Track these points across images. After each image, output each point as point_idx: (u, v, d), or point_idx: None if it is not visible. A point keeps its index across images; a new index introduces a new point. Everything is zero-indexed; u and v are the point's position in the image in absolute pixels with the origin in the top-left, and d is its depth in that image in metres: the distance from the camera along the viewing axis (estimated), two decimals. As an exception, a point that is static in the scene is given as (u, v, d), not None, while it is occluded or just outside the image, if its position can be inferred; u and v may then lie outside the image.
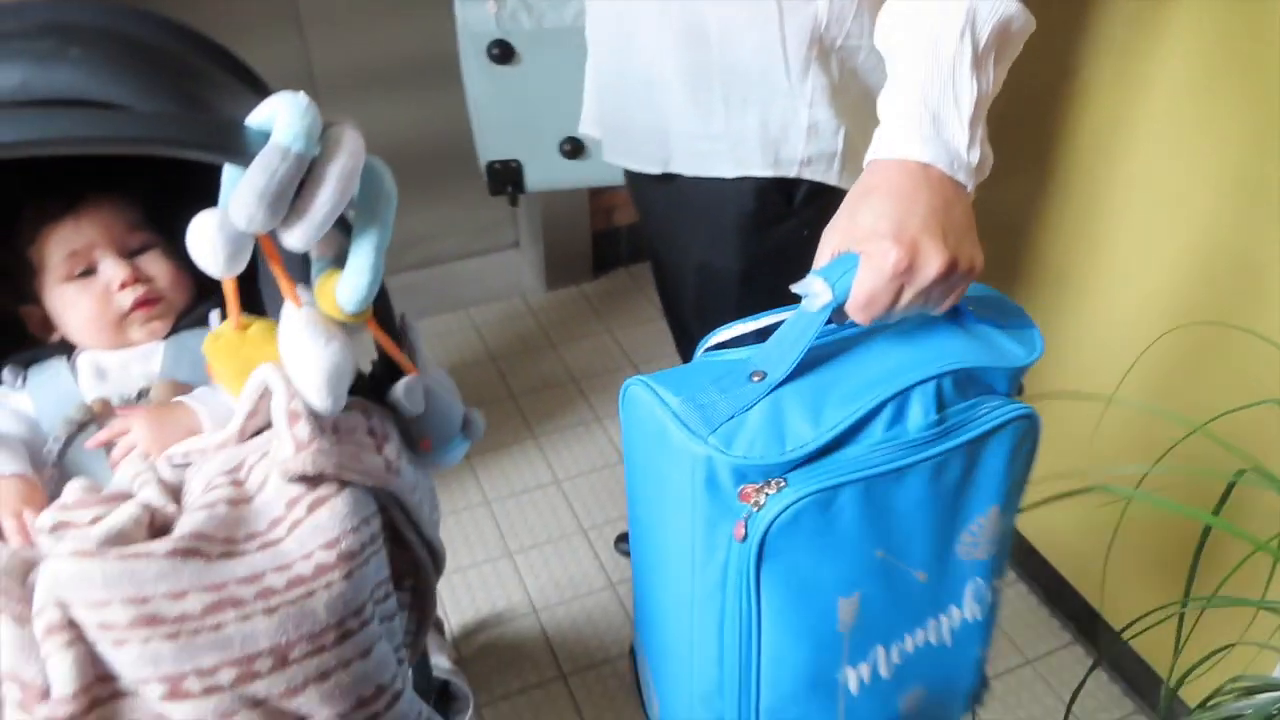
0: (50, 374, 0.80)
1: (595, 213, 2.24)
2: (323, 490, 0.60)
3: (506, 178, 1.30)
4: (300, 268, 0.72)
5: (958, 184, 0.68)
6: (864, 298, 0.66)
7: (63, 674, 0.53)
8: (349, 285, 0.66)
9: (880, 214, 0.66)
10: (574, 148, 1.27)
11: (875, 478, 0.67)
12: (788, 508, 0.64)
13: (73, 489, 0.66)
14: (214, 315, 0.82)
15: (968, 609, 0.78)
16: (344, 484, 0.61)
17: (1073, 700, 1.40)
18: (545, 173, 1.29)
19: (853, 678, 0.74)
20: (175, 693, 0.54)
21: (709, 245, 1.05)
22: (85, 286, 0.80)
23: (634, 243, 2.33)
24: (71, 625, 0.54)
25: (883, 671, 0.76)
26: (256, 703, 0.56)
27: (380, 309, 0.72)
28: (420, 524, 0.70)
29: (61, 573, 0.54)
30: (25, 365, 0.81)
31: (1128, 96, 1.19)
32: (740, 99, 0.92)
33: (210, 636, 0.55)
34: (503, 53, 1.19)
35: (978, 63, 0.68)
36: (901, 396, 0.68)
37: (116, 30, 0.71)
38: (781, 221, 1.01)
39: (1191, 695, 1.30)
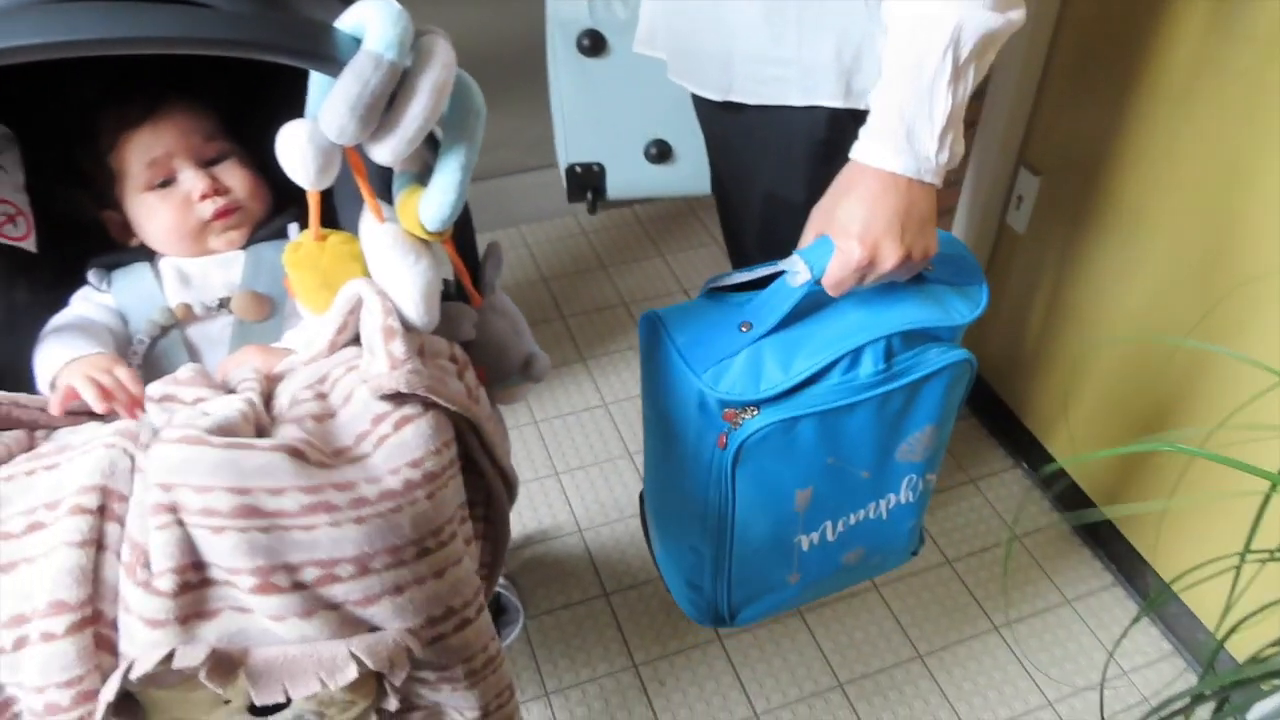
0: (134, 277, 0.80)
1: (650, 134, 2.20)
2: (408, 409, 0.60)
3: (587, 182, 1.25)
4: (381, 182, 0.71)
5: (924, 184, 0.81)
6: (833, 281, 0.83)
7: (158, 550, 0.55)
8: (433, 203, 0.64)
9: (852, 215, 0.81)
10: (660, 151, 1.22)
11: (829, 411, 0.86)
12: (758, 430, 0.85)
13: (185, 369, 0.67)
14: (293, 228, 0.82)
15: (903, 495, 0.99)
16: (428, 406, 0.61)
17: (1115, 647, 1.41)
18: (629, 179, 1.24)
19: (805, 541, 0.97)
20: (264, 586, 0.55)
21: (777, 175, 1.03)
22: (165, 196, 0.80)
23: (688, 166, 2.29)
24: (173, 509, 0.55)
25: (829, 537, 0.98)
26: (333, 605, 0.57)
27: (460, 229, 0.71)
28: (494, 452, 0.70)
29: (170, 456, 0.55)
30: (109, 268, 0.82)
31: (1221, 36, 1.13)
32: (815, 23, 0.89)
33: (301, 536, 0.55)
34: (593, 44, 1.14)
35: (956, 76, 0.78)
36: (856, 351, 0.86)
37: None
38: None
39: (1236, 647, 1.31)
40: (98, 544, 0.56)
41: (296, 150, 0.60)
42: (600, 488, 1.65)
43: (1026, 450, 1.67)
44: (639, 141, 1.23)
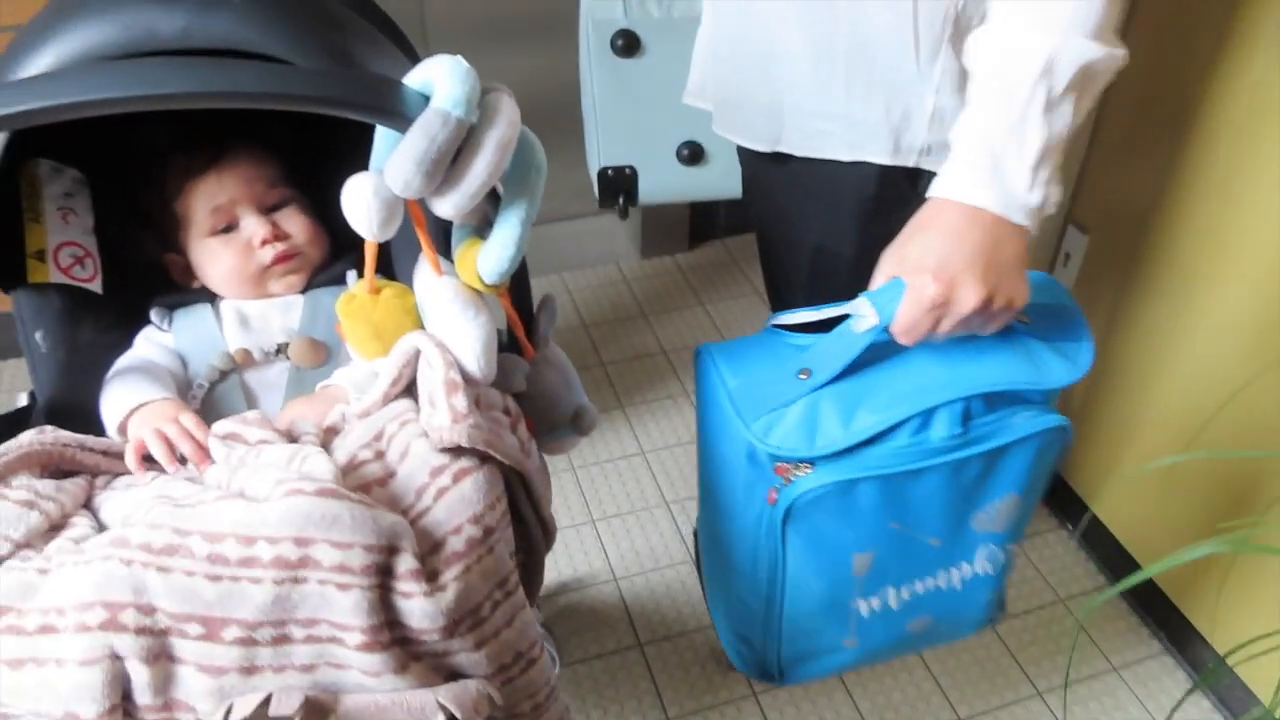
0: (196, 318, 0.82)
1: (694, 184, 2.21)
2: (465, 462, 0.61)
3: (619, 186, 1.24)
4: (439, 233, 0.72)
5: (1013, 224, 0.73)
6: (904, 325, 0.74)
7: (260, 604, 0.55)
8: (492, 256, 0.65)
9: (927, 250, 0.73)
10: (692, 153, 1.21)
11: (894, 475, 0.77)
12: (812, 489, 0.77)
13: (252, 413, 0.68)
14: (350, 274, 0.83)
15: (979, 566, 0.89)
16: (484, 459, 0.62)
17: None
18: (661, 182, 1.23)
19: (864, 606, 0.87)
20: (370, 644, 0.56)
21: (825, 228, 1.02)
22: (227, 242, 0.82)
23: (731, 215, 2.30)
24: (299, 564, 0.55)
25: (892, 604, 0.88)
26: (419, 656, 0.58)
27: (516, 281, 0.72)
28: (539, 504, 0.71)
29: (312, 511, 0.55)
30: (171, 308, 0.83)
31: (1278, 94, 1.13)
32: (864, 79, 0.89)
33: (403, 602, 0.56)
34: (627, 44, 1.13)
35: (1050, 106, 0.70)
36: (928, 412, 0.76)
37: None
38: (903, 207, 0.97)
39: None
40: (111, 656, 0.56)
41: (362, 202, 0.61)
42: (637, 536, 1.64)
43: (1071, 511, 1.64)
44: (671, 143, 1.21)
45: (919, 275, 0.72)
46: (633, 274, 2.24)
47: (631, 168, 1.24)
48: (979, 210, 0.72)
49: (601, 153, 1.23)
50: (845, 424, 0.76)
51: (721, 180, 1.21)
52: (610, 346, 2.04)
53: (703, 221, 2.28)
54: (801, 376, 0.78)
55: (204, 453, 0.69)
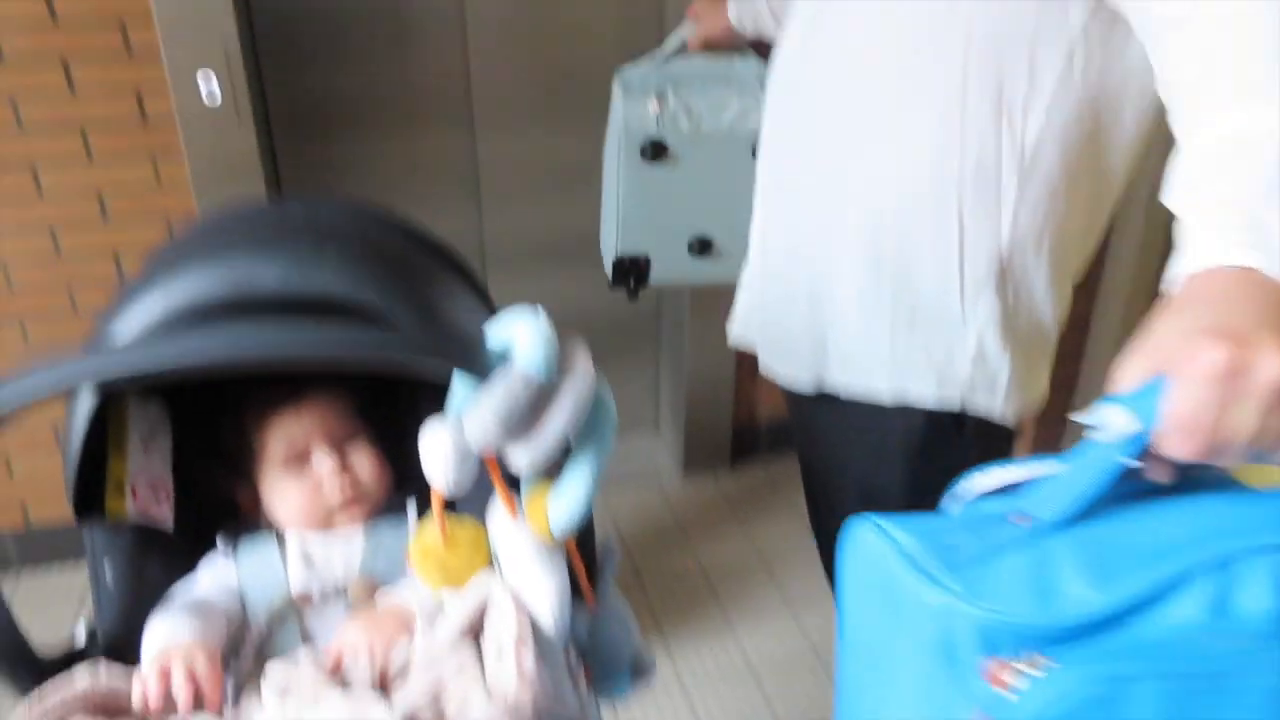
0: (261, 553, 0.82)
1: (738, 404, 2.24)
2: (524, 720, 0.59)
3: (633, 271, 1.31)
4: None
5: None
6: (1181, 417, 0.51)
7: None
8: (562, 508, 0.66)
9: (1195, 317, 0.54)
10: (702, 247, 1.28)
11: (1187, 675, 0.49)
12: (1059, 700, 0.47)
13: (303, 655, 0.67)
14: (410, 504, 0.84)
15: None
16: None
17: None
18: (671, 269, 1.31)
19: None
20: None
21: (873, 465, 1.02)
22: (299, 478, 0.84)
23: (773, 439, 2.31)
24: None
25: None
26: None
27: (582, 531, 0.72)
28: None
29: None
30: (235, 536, 0.84)
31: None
32: (908, 318, 0.91)
33: None
34: (656, 152, 1.21)
35: None
36: (1228, 568, 0.50)
37: (362, 232, 0.78)
38: (951, 443, 0.97)
39: None
40: None
41: (442, 457, 0.62)
42: (676, 785, 1.54)
43: None
44: (684, 236, 1.28)
45: (1192, 344, 0.52)
46: (674, 493, 2.23)
47: (646, 256, 1.29)
48: (1248, 271, 0.55)
49: (620, 243, 1.30)
50: (1099, 583, 0.49)
51: (726, 271, 1.26)
52: (650, 568, 2.00)
53: (745, 440, 2.30)
54: (1016, 521, 0.54)
55: (197, 699, 0.67)
